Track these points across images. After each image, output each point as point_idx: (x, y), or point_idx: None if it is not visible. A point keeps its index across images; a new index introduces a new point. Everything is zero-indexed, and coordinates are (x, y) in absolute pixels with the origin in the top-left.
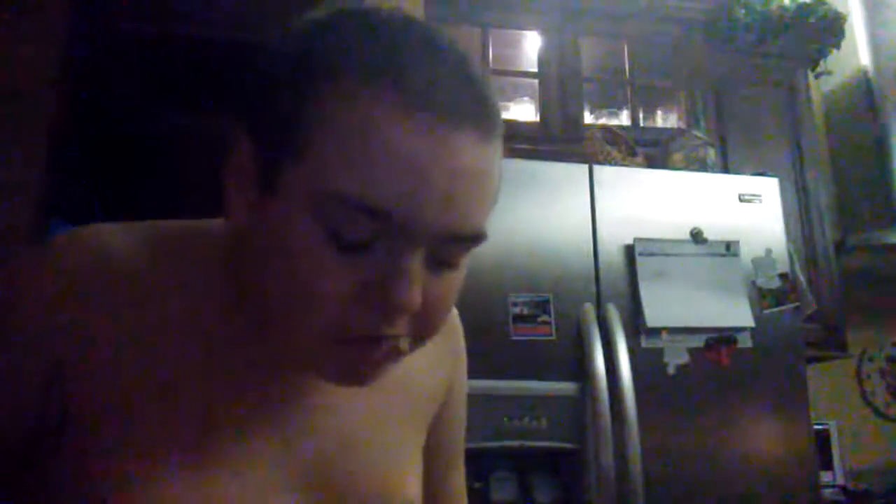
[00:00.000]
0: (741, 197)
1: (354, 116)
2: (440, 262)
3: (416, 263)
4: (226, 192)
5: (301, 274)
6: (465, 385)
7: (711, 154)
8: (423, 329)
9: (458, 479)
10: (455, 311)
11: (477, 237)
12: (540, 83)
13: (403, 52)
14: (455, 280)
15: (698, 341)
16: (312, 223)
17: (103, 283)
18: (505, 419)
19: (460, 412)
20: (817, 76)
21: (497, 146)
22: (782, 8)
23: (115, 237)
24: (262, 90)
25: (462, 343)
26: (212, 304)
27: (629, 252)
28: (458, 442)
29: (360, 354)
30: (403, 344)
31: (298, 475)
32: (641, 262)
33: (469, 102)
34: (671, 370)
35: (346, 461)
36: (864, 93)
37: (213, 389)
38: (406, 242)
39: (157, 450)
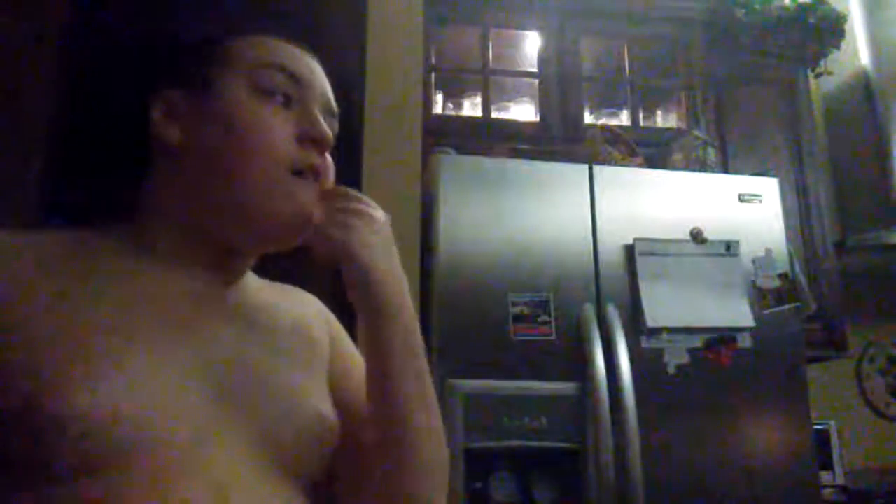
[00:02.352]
0: (741, 197)
1: (257, 32)
2: None
3: (321, 116)
4: (153, 132)
5: (253, 129)
6: (346, 339)
7: (711, 154)
8: (322, 185)
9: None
10: (314, 299)
11: (336, 115)
12: (540, 83)
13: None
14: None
15: (698, 341)
16: (249, 94)
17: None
18: (505, 419)
19: (351, 363)
20: (817, 76)
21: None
22: (782, 8)
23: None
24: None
25: (328, 310)
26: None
27: (629, 252)
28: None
29: (303, 187)
30: (319, 187)
31: (212, 383)
32: (641, 262)
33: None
34: (671, 370)
35: (257, 376)
36: (864, 93)
37: (128, 314)
38: (312, 100)
39: (76, 349)
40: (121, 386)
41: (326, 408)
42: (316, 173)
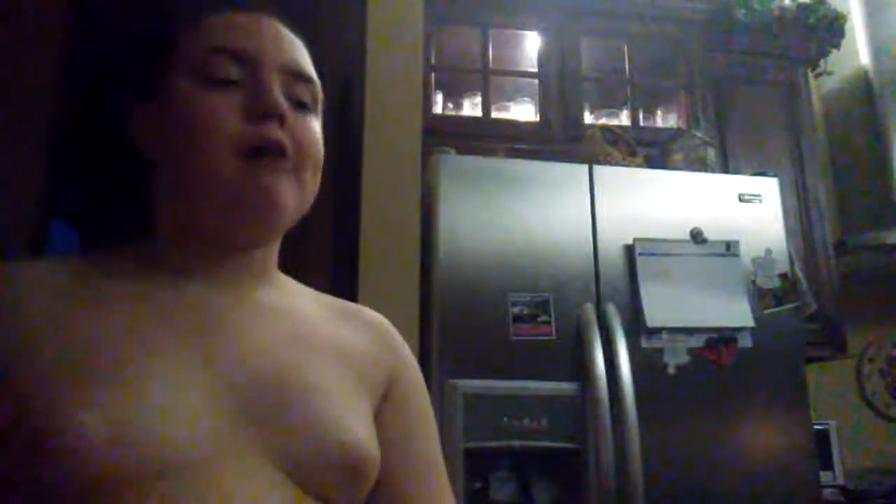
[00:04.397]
0: (741, 197)
1: (208, 16)
2: (296, 102)
3: (274, 86)
4: (137, 148)
5: (196, 118)
6: (418, 390)
7: (711, 154)
8: (302, 158)
9: (439, 492)
10: (387, 321)
11: (309, 78)
12: (540, 83)
13: None
14: (313, 123)
15: (698, 341)
16: (195, 86)
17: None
18: (505, 419)
19: (416, 418)
20: (817, 76)
21: (292, 33)
22: (782, 8)
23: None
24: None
25: (403, 345)
26: (126, 266)
27: (629, 252)
28: (426, 452)
29: (264, 167)
30: (289, 163)
31: (228, 400)
32: (641, 262)
33: (266, 9)
34: (671, 370)
35: (286, 396)
36: (864, 93)
37: (136, 327)
38: (261, 71)
39: (85, 369)
40: (131, 407)
41: (364, 437)
42: (279, 148)
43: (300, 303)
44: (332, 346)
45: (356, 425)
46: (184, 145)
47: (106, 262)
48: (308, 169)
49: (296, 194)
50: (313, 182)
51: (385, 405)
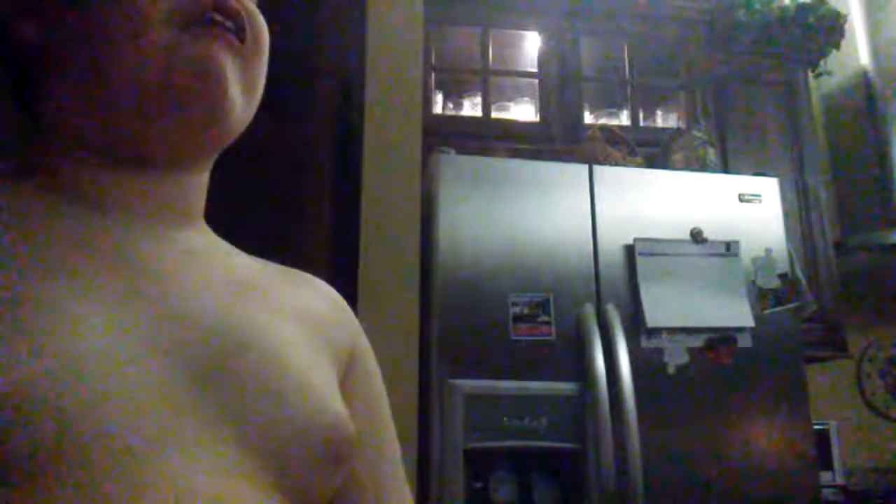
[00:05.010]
0: (741, 197)
1: None
2: None
3: None
4: (12, 37)
5: None
6: (376, 368)
7: (711, 154)
8: (255, 41)
9: (400, 477)
10: (338, 295)
11: None
12: (540, 83)
13: None
14: (254, 7)
15: (698, 341)
16: None
17: None
18: (505, 419)
19: (378, 398)
20: (817, 76)
21: None
22: (782, 8)
23: None
24: None
25: (355, 318)
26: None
27: (629, 252)
28: (388, 437)
29: (203, 35)
30: (241, 46)
31: (184, 361)
32: (641, 262)
33: None
34: (671, 370)
35: (243, 359)
36: (864, 93)
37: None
38: None
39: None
40: (44, 366)
41: (345, 413)
42: (236, 20)
43: (241, 259)
44: (290, 307)
45: (334, 398)
46: (98, 14)
47: None
48: (259, 61)
49: (244, 89)
50: (260, 84)
51: (346, 379)
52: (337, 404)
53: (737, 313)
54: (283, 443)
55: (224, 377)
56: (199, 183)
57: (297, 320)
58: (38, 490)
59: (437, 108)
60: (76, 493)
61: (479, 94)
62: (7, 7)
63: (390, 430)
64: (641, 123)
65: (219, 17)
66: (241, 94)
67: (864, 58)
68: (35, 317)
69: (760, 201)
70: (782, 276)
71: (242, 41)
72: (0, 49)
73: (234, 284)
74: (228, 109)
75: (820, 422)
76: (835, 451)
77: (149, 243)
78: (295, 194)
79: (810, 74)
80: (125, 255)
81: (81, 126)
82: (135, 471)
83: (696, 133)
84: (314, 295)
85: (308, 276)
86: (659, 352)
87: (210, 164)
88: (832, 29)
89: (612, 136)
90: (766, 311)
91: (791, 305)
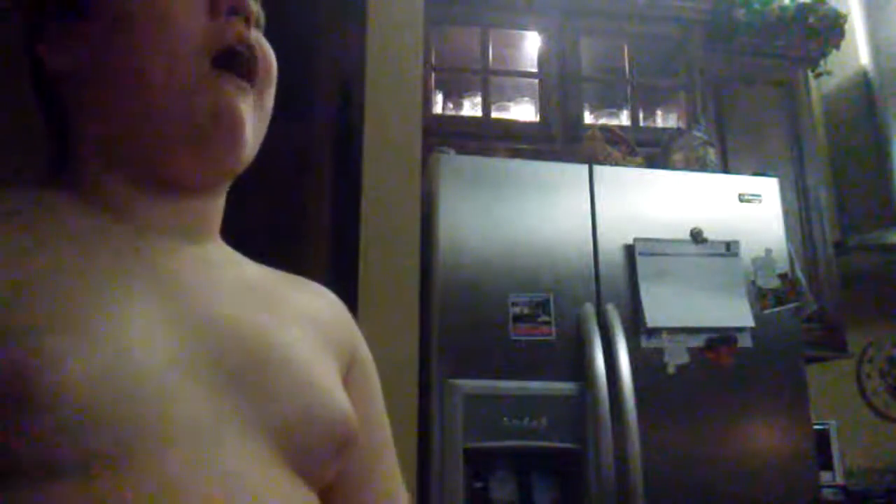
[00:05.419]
0: (741, 197)
1: None
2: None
3: None
4: (47, 68)
5: (145, 12)
6: (373, 368)
7: (711, 154)
8: (267, 74)
9: (396, 475)
10: (339, 300)
11: None
12: (540, 83)
13: None
14: (262, 39)
15: (698, 341)
16: None
17: None
18: (505, 419)
19: (375, 398)
20: (817, 76)
21: None
22: (782, 8)
23: None
24: None
25: (355, 324)
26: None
27: (629, 252)
28: (385, 434)
29: (227, 78)
30: (253, 81)
31: (208, 363)
32: (641, 262)
33: None
34: (671, 370)
35: (261, 361)
36: (864, 93)
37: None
38: None
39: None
40: (103, 361)
41: (351, 409)
42: (250, 55)
43: (251, 267)
44: (297, 311)
45: (341, 395)
46: (129, 45)
47: (33, 196)
48: (270, 91)
49: (258, 120)
50: (269, 109)
51: (346, 379)
52: (342, 399)
53: (737, 313)
54: (302, 435)
55: (250, 376)
56: (218, 204)
57: (303, 322)
58: (120, 479)
59: (437, 108)
60: (154, 478)
61: (479, 94)
62: (41, 40)
63: (387, 432)
64: (641, 123)
65: (242, 49)
66: (254, 129)
67: (864, 58)
68: (88, 314)
69: (760, 201)
70: (782, 276)
71: (253, 84)
72: (35, 77)
73: (249, 291)
74: (243, 145)
75: (820, 422)
76: (835, 451)
77: (176, 256)
78: (295, 194)
79: (810, 74)
80: (157, 267)
81: (111, 152)
82: (192, 459)
83: (696, 133)
84: (318, 300)
85: (312, 282)
86: (659, 352)
87: (227, 188)
88: (832, 29)
89: (612, 136)
90: (766, 311)
91: (791, 305)
